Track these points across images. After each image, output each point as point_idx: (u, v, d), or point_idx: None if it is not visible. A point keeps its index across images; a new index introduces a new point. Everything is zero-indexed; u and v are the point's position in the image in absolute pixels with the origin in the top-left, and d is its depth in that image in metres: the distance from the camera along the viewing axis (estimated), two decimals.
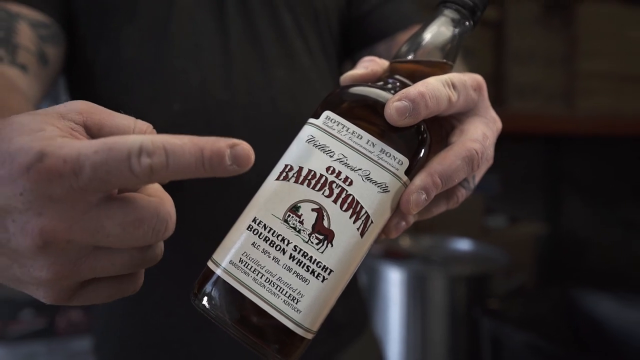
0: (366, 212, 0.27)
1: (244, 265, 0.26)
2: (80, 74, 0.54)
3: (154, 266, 0.37)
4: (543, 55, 2.10)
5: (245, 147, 0.22)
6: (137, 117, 0.39)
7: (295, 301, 0.25)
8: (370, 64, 0.33)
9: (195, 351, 0.53)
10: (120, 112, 0.28)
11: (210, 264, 0.27)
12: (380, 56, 0.54)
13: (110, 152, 0.20)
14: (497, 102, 2.16)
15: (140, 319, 0.56)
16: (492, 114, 0.34)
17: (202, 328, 0.52)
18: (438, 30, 0.31)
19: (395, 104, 0.27)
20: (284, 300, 0.25)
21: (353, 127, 0.28)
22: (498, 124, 0.34)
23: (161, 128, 0.45)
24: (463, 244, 1.87)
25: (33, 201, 0.20)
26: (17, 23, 0.44)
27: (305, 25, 0.54)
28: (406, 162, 0.28)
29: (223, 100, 0.40)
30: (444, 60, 0.31)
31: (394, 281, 1.52)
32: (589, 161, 2.28)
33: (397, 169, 0.27)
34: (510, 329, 1.06)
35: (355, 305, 0.65)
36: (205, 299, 0.26)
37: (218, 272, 0.26)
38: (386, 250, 1.73)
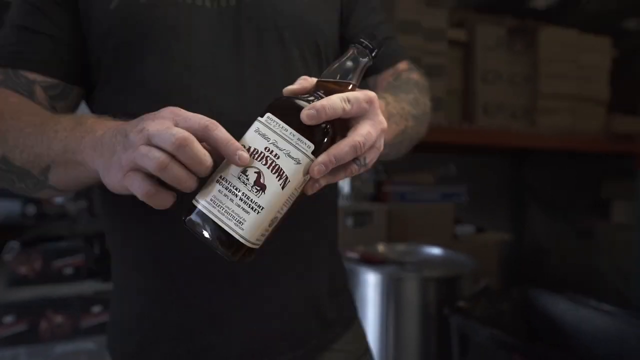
0: (286, 175, 0.43)
1: (213, 203, 0.43)
2: (103, 105, 0.60)
3: (172, 263, 0.50)
4: (508, 76, 2.27)
5: None
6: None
7: (241, 224, 0.43)
8: (303, 82, 0.48)
9: (212, 341, 0.58)
10: None
11: (194, 201, 0.44)
12: (368, 87, 0.65)
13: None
14: (466, 118, 2.31)
15: (158, 316, 0.60)
16: (380, 118, 0.48)
17: (217, 318, 0.58)
18: (346, 63, 0.48)
19: (306, 111, 0.44)
20: (235, 223, 0.42)
21: (282, 123, 0.44)
22: (383, 125, 0.48)
23: None
24: (434, 251, 1.99)
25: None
26: (34, 87, 0.57)
27: (309, 57, 0.63)
28: (312, 146, 0.44)
29: (240, 122, 0.48)
30: (348, 82, 0.47)
31: (370, 283, 1.62)
32: (549, 174, 2.45)
33: (307, 151, 0.44)
34: (476, 325, 1.17)
35: (343, 303, 0.73)
36: (191, 221, 0.43)
37: (199, 206, 0.43)
38: (363, 256, 1.83)
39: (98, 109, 0.61)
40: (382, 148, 0.49)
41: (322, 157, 0.44)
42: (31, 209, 2.03)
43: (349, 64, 0.48)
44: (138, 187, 0.41)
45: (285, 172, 0.43)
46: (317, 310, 0.66)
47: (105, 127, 0.47)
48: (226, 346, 0.59)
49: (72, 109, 0.62)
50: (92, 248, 1.90)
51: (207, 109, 0.51)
